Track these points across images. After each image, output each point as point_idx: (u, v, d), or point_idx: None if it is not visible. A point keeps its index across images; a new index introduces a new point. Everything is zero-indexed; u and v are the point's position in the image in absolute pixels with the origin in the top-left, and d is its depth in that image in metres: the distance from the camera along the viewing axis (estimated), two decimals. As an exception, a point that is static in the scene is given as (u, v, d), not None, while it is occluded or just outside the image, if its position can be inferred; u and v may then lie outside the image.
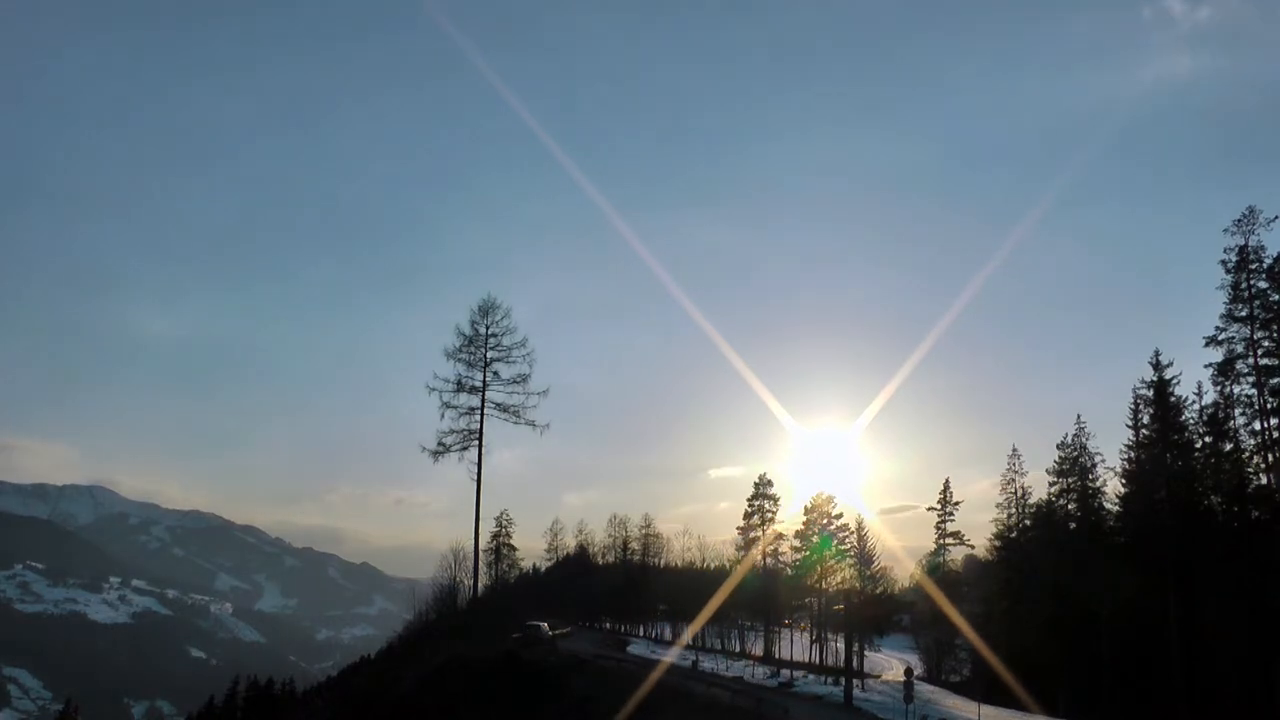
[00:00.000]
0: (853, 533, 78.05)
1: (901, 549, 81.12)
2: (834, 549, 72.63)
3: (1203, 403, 49.06)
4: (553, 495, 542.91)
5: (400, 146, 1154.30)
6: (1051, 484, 62.73)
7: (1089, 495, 59.63)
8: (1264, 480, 46.32)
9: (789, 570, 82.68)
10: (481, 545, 65.30)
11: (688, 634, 74.19)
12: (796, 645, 79.74)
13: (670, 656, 56.82)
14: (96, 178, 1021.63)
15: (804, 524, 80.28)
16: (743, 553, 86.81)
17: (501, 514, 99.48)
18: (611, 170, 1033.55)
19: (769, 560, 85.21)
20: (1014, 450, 70.10)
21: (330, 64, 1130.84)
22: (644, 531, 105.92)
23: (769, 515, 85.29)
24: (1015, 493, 69.57)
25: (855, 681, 48.47)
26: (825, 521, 78.75)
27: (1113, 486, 57.59)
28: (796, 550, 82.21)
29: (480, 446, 55.86)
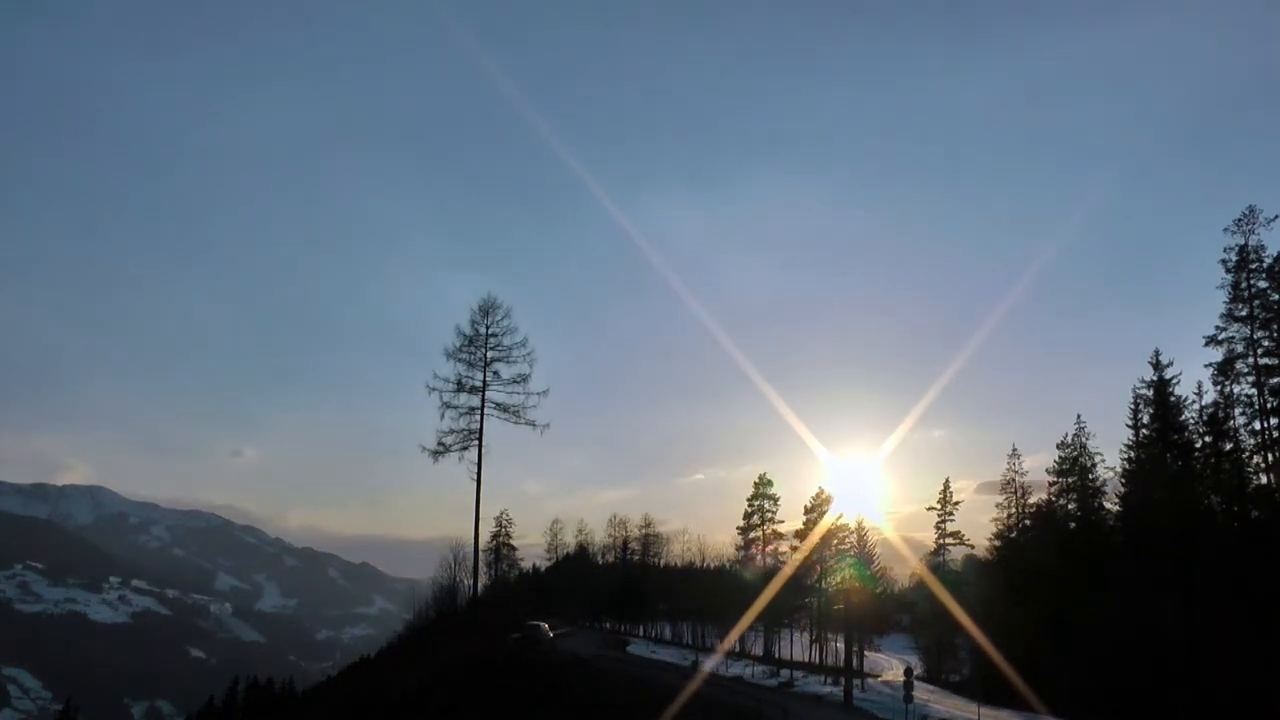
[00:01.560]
0: (852, 532, 78.17)
1: (903, 542, 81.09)
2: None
3: (1203, 403, 49.06)
4: (577, 493, 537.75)
5: (406, 140, 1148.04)
6: (1051, 484, 62.81)
7: (1089, 495, 59.67)
8: (1264, 480, 46.32)
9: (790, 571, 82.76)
10: (481, 545, 65.31)
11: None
12: (796, 645, 79.78)
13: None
14: (100, 175, 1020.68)
15: (804, 524, 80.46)
16: (743, 552, 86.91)
17: (501, 514, 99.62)
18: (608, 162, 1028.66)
19: (769, 560, 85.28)
20: (1014, 450, 70.26)
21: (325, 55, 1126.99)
22: (644, 531, 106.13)
23: (769, 515, 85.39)
24: (1015, 493, 69.66)
25: (855, 681, 48.47)
26: (829, 522, 78.84)
27: (1113, 486, 57.67)
28: (797, 550, 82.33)
29: (480, 446, 55.84)
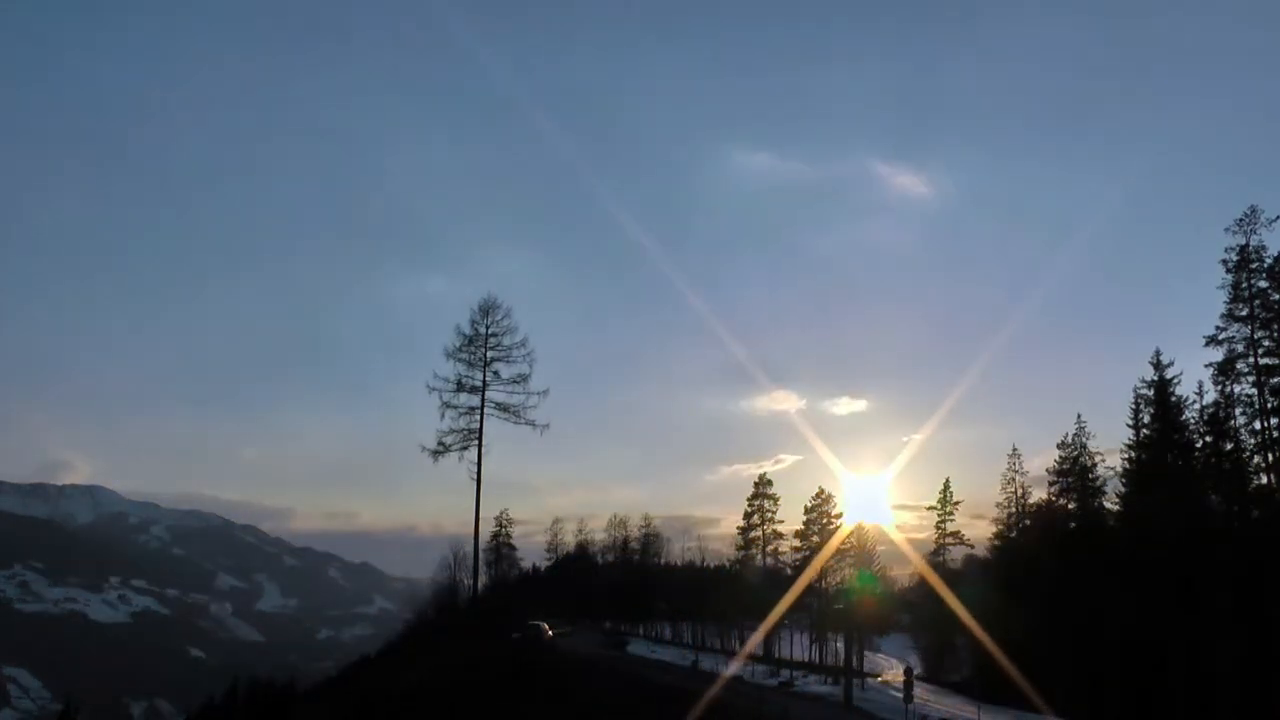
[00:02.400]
0: (852, 533, 78.23)
1: (906, 542, 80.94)
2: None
3: (1203, 402, 49.05)
4: (604, 488, 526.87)
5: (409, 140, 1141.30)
6: (1051, 484, 62.79)
7: (1089, 495, 59.64)
8: (1264, 480, 46.30)
9: (789, 570, 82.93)
10: (481, 545, 65.36)
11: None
12: (796, 645, 79.89)
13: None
14: (99, 172, 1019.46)
15: (804, 523, 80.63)
16: (742, 552, 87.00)
17: (501, 514, 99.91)
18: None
19: (769, 560, 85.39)
20: (1014, 450, 70.31)
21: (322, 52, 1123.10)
22: (644, 531, 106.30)
23: (769, 515, 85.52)
24: (1015, 493, 69.72)
25: (855, 681, 48.50)
26: (825, 522, 79.01)
27: (1113, 486, 57.66)
28: (796, 550, 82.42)
29: (480, 446, 55.84)
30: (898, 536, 77.71)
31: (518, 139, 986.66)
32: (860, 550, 76.21)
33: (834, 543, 73.48)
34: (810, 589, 75.98)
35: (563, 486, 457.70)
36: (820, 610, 76.22)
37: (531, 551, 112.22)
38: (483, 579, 77.46)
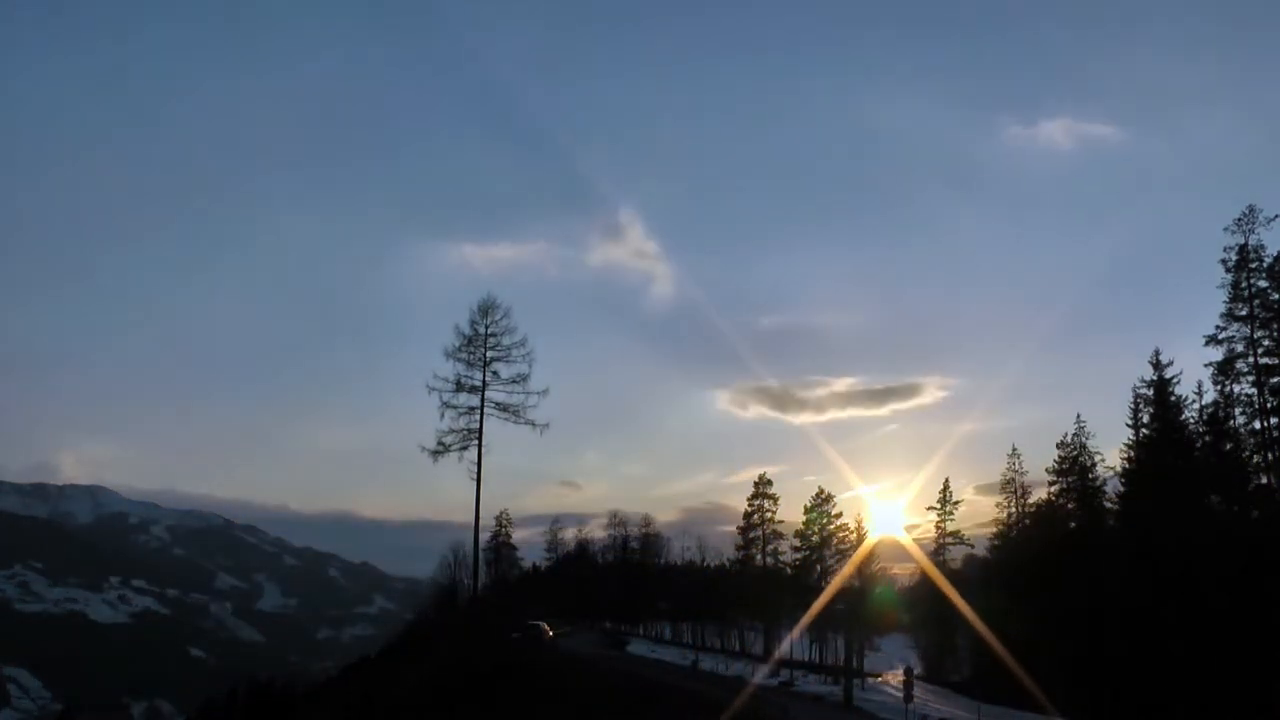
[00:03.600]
0: (852, 532, 78.32)
1: (907, 542, 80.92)
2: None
3: (1203, 402, 49.11)
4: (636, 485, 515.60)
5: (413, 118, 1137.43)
6: (1051, 484, 62.84)
7: (1089, 495, 59.68)
8: (1264, 480, 46.32)
9: (789, 570, 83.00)
10: (481, 545, 65.39)
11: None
12: (796, 645, 79.89)
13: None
14: (94, 172, 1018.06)
15: (804, 523, 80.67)
16: (743, 552, 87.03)
17: (501, 514, 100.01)
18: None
19: (769, 560, 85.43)
20: (1014, 450, 70.35)
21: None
22: (644, 531, 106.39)
23: (769, 515, 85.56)
24: (1015, 492, 69.76)
25: (855, 681, 48.52)
26: (825, 521, 79.10)
27: (1113, 486, 57.67)
28: (796, 550, 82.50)
29: (480, 446, 55.77)
30: (907, 540, 77.73)
31: (522, 128, 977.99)
32: (871, 560, 76.19)
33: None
34: (812, 589, 76.13)
35: (585, 483, 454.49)
36: (821, 610, 76.34)
37: (531, 551, 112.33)
38: (483, 579, 77.47)
